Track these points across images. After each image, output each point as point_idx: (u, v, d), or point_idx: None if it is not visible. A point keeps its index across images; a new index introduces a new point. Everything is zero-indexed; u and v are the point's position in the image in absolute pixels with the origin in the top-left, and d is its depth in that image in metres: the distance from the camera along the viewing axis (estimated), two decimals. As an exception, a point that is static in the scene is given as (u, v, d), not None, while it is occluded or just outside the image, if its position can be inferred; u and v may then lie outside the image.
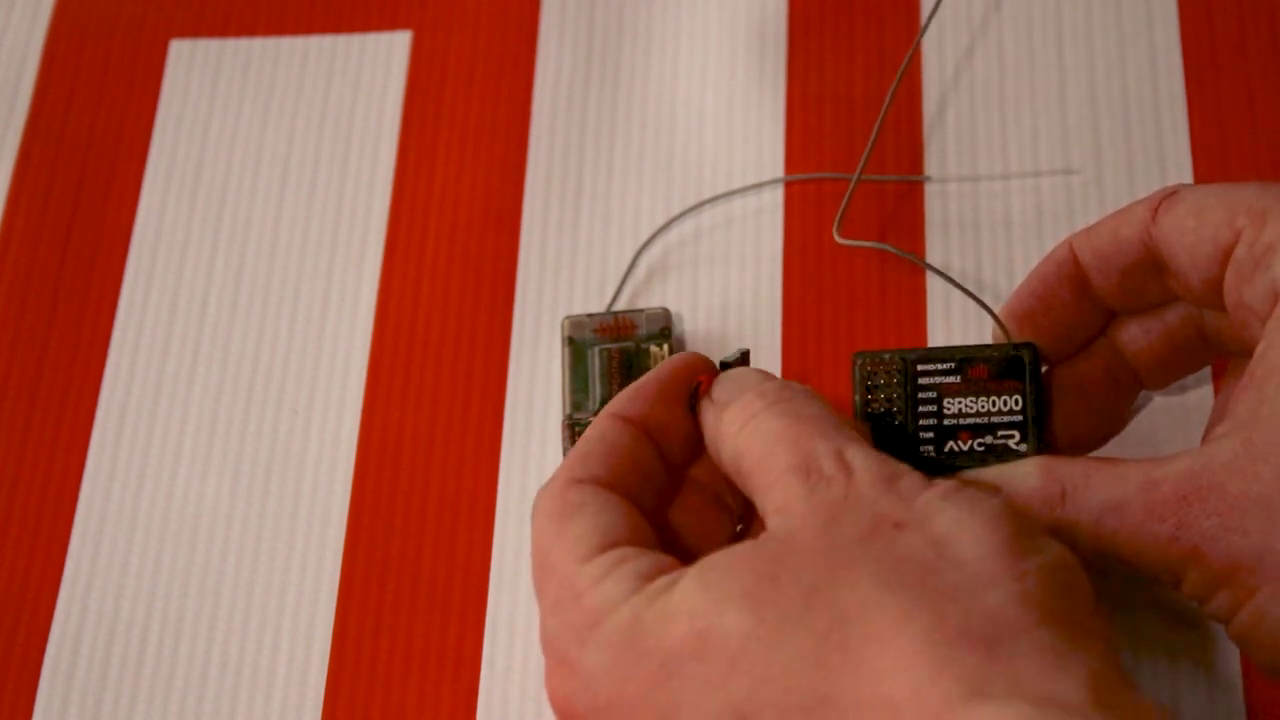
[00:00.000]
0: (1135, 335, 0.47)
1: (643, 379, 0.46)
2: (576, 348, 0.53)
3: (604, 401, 0.51)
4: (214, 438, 0.54)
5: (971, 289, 0.54)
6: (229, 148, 0.60)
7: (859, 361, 0.48)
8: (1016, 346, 0.47)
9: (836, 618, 0.37)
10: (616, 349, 0.52)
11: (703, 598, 0.39)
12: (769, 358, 0.54)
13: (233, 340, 0.56)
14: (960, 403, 0.47)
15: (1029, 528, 0.39)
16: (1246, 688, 0.48)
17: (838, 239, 0.50)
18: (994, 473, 0.45)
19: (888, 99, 0.55)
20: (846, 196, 0.52)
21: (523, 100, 0.59)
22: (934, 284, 0.55)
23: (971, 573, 0.38)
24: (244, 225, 0.58)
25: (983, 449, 0.47)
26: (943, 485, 0.40)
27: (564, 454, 0.51)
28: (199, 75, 0.61)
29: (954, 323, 0.54)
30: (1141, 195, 0.55)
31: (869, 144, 0.52)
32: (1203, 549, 0.41)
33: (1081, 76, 0.58)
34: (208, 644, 0.51)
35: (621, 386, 0.51)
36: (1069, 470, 0.44)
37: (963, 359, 0.47)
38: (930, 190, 0.56)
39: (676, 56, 0.60)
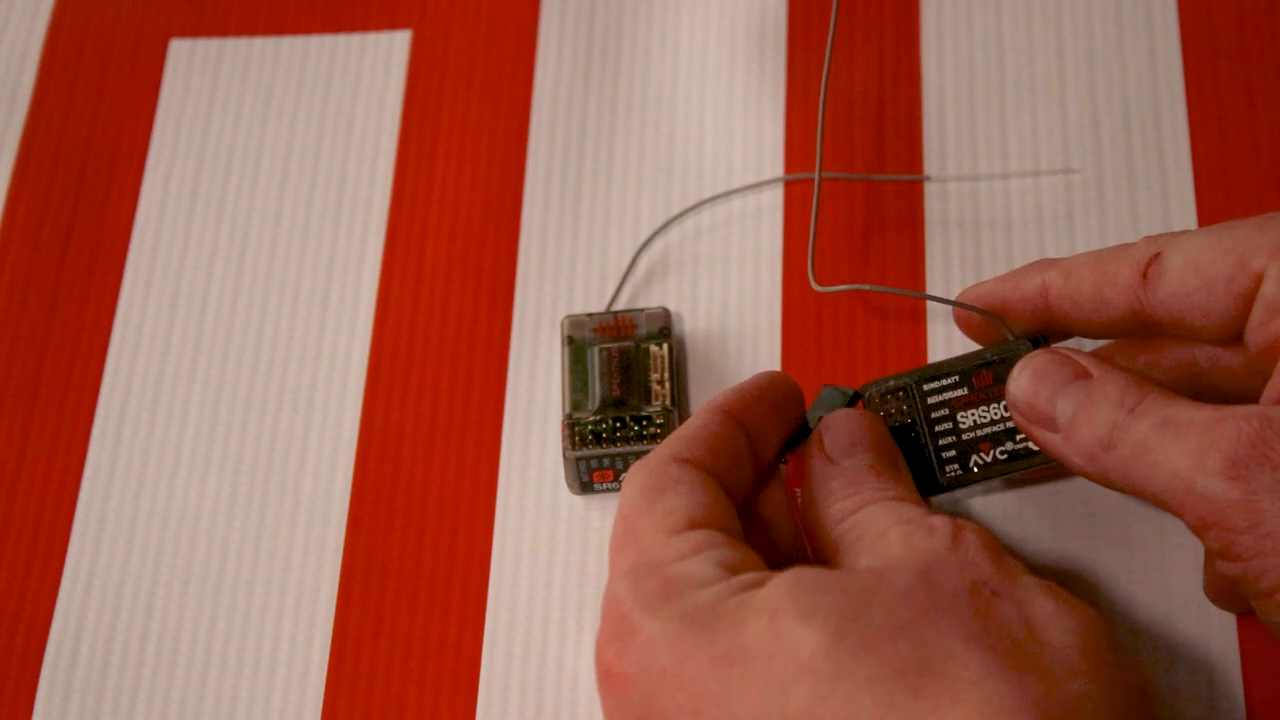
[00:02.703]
0: None
1: (743, 383, 0.47)
2: (576, 347, 0.53)
3: (603, 401, 0.51)
4: (214, 438, 0.54)
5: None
6: (229, 147, 0.60)
7: (867, 396, 0.48)
8: (1015, 344, 0.47)
9: (917, 658, 0.38)
10: (616, 348, 0.52)
11: (789, 603, 0.39)
12: (769, 358, 0.54)
13: (233, 340, 0.56)
14: (974, 414, 0.47)
15: (1117, 646, 0.40)
16: (1245, 677, 0.48)
17: (815, 286, 0.49)
18: (1092, 359, 0.44)
19: (823, 83, 0.54)
20: (815, 208, 0.51)
21: (523, 100, 0.59)
22: (934, 286, 0.55)
23: (1058, 658, 0.39)
24: (244, 225, 0.58)
25: (1005, 455, 0.47)
26: (1044, 581, 0.41)
27: (564, 454, 0.51)
28: (199, 75, 0.61)
29: (954, 318, 0.54)
30: (1141, 195, 0.55)
31: (818, 141, 0.51)
32: (1257, 500, 0.40)
33: (1081, 76, 0.58)
34: (208, 644, 0.51)
35: (621, 386, 0.51)
36: (1155, 387, 0.43)
37: (965, 370, 0.47)
38: (930, 190, 0.56)
39: (676, 56, 0.60)
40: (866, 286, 0.49)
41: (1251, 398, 0.46)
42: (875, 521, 0.43)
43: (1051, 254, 0.54)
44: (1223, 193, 0.55)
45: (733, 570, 0.41)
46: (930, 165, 0.57)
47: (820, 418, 0.47)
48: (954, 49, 0.59)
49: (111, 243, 0.58)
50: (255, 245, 0.58)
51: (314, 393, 0.55)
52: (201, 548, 0.53)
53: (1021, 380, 0.45)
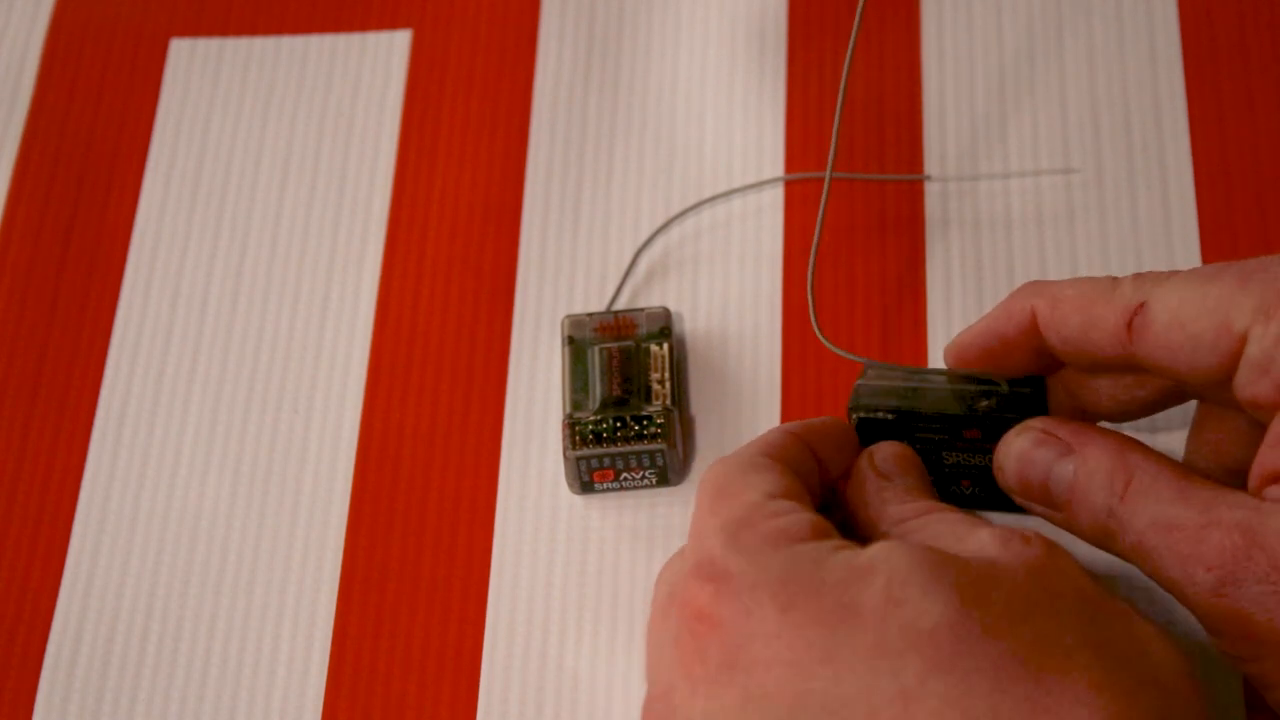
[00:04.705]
0: (1099, 398, 0.47)
1: (810, 419, 0.48)
2: (576, 347, 0.53)
3: (603, 400, 0.51)
4: (214, 438, 0.54)
5: (971, 288, 0.54)
6: (229, 147, 0.60)
7: (854, 420, 0.48)
8: (1005, 407, 0.46)
9: (1038, 649, 0.38)
10: (616, 348, 0.52)
11: (911, 570, 0.39)
12: (769, 357, 0.54)
13: (233, 340, 0.56)
14: (958, 455, 0.47)
15: (1211, 680, 0.41)
16: (1246, 683, 0.48)
17: (822, 341, 0.49)
18: (1071, 429, 0.44)
19: (843, 79, 0.54)
20: (812, 265, 0.51)
21: (523, 100, 0.59)
22: (934, 285, 0.55)
23: (1168, 681, 0.39)
24: (244, 225, 0.58)
25: (984, 494, 0.47)
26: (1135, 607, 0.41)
27: (564, 453, 0.51)
28: (199, 75, 0.61)
29: (954, 317, 0.54)
30: (1141, 195, 0.55)
31: (832, 140, 0.51)
32: (1247, 612, 0.40)
33: (1081, 76, 0.58)
34: (208, 644, 0.51)
35: (621, 385, 0.51)
36: (1140, 461, 0.43)
37: (953, 423, 0.47)
38: (930, 190, 0.56)
39: (676, 56, 0.60)
40: (869, 361, 0.49)
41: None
42: (952, 525, 0.43)
43: (1051, 254, 0.54)
44: (1223, 193, 0.55)
45: (824, 534, 0.42)
46: (930, 165, 0.57)
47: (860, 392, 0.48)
48: (954, 49, 0.59)
49: (111, 243, 0.58)
50: (255, 245, 0.58)
51: (314, 393, 0.55)
52: (201, 548, 0.53)
53: (1008, 468, 0.45)
